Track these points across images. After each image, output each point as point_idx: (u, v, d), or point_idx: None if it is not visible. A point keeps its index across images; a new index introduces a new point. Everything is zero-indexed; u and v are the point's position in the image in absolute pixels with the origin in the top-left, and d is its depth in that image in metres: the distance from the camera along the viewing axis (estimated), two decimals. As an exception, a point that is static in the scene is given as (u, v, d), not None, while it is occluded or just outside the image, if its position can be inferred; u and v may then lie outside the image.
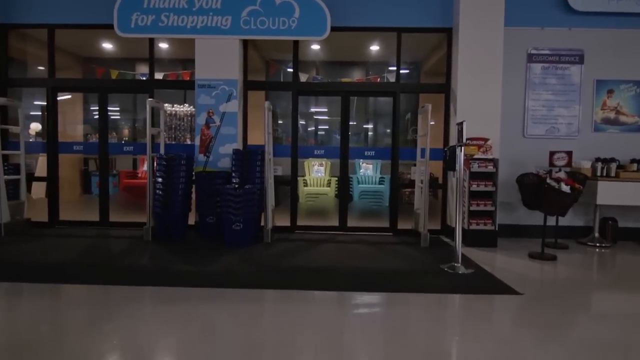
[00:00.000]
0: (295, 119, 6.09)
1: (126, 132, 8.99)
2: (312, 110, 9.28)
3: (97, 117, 6.34)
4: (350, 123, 6.30)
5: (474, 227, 5.37)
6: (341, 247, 5.21)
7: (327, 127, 9.44)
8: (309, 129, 9.42)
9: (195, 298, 3.34)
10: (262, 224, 5.46)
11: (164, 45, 6.96)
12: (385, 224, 6.20)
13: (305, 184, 7.82)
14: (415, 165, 5.97)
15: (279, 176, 6.12)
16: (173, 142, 7.50)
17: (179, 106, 7.45)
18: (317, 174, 8.04)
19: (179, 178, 5.32)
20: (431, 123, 5.42)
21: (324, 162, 8.00)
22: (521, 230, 5.96)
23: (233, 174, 5.47)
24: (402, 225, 6.09)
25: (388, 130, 7.79)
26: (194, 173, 5.61)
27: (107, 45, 7.19)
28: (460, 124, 4.19)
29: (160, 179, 5.30)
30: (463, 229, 4.36)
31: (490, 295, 3.57)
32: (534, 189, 4.87)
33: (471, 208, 5.35)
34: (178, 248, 4.97)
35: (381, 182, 7.83)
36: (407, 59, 7.68)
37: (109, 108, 8.71)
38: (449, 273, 4.11)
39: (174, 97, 7.98)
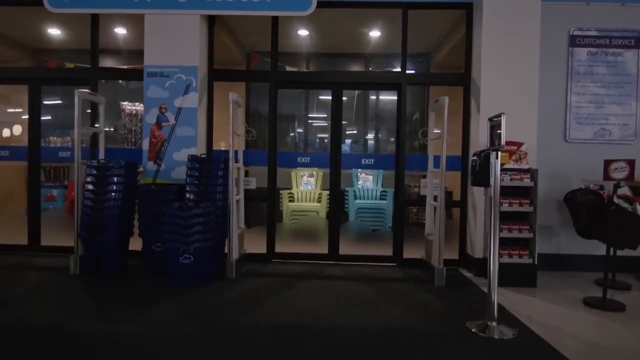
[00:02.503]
0: (274, 117, 4.80)
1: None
2: (311, 115, 7.91)
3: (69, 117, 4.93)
4: (349, 132, 4.99)
5: (505, 259, 4.04)
6: (328, 287, 3.89)
7: (326, 135, 8.05)
8: (308, 137, 8.06)
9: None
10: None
11: (122, 31, 5.74)
12: (387, 252, 4.87)
13: (292, 199, 6.49)
14: (425, 177, 4.69)
15: (254, 190, 4.85)
16: (133, 147, 6.23)
17: (138, 105, 6.18)
18: (307, 187, 6.72)
19: (114, 192, 4.03)
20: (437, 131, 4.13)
21: (314, 173, 6.68)
22: (562, 261, 4.62)
23: (187, 187, 4.17)
24: (409, 252, 4.77)
25: (392, 139, 6.41)
26: (139, 186, 4.33)
27: (62, 35, 5.97)
28: (497, 120, 2.89)
29: (89, 194, 4.03)
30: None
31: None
32: (592, 211, 3.55)
33: (501, 234, 4.03)
34: (105, 288, 3.68)
35: (383, 197, 6.48)
36: (414, 46, 6.18)
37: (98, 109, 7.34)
38: (480, 338, 2.78)
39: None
